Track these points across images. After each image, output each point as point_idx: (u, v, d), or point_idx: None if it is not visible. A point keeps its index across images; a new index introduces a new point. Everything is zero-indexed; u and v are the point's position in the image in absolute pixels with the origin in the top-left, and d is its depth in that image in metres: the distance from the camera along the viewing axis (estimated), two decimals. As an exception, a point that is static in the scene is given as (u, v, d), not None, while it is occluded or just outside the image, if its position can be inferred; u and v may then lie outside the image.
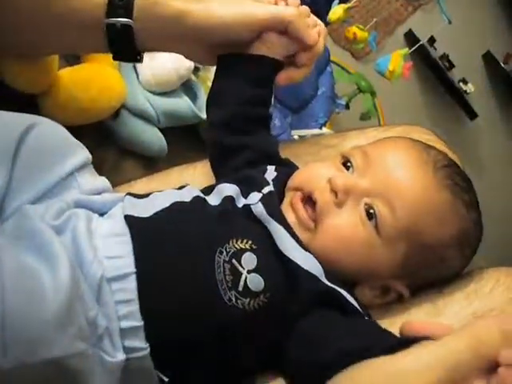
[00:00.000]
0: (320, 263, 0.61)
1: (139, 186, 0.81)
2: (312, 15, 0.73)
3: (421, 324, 0.56)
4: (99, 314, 0.53)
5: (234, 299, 0.58)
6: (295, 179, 0.69)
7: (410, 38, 2.66)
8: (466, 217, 0.65)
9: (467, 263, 0.69)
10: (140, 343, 0.55)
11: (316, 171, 0.68)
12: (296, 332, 0.59)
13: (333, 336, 0.57)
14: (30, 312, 0.46)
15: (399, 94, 2.52)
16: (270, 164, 0.73)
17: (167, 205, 0.64)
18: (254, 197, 0.66)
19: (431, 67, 2.78)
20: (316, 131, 1.79)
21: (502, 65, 2.83)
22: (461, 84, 2.78)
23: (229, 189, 0.67)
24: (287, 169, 0.73)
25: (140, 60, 0.73)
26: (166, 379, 0.58)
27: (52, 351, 0.47)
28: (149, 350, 0.55)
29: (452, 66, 2.75)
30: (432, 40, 2.62)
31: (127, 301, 0.55)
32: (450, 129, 2.74)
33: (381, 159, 0.66)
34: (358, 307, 0.61)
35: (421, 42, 2.37)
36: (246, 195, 0.67)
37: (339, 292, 0.60)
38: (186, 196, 0.66)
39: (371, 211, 0.63)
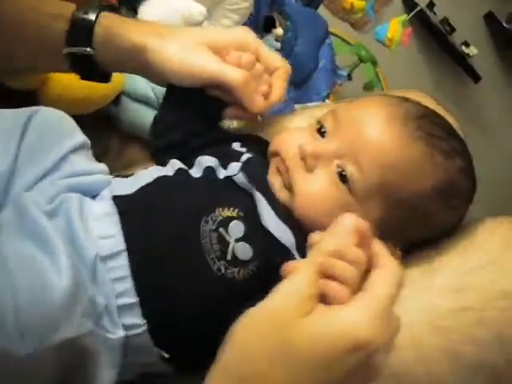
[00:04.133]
0: (296, 234, 0.61)
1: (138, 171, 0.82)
2: (270, 64, 0.70)
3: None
4: (97, 293, 0.55)
5: (223, 269, 0.58)
6: (273, 145, 0.69)
7: (409, 3, 2.63)
8: (445, 166, 0.63)
9: (460, 215, 0.68)
10: (137, 320, 0.57)
11: (289, 138, 0.68)
12: None
13: None
14: (40, 301, 0.49)
15: (401, 61, 2.50)
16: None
17: (151, 180, 0.65)
18: (234, 167, 0.66)
19: (432, 32, 2.74)
20: (319, 104, 1.78)
21: (505, 25, 2.78)
22: (463, 47, 2.74)
23: (208, 160, 0.67)
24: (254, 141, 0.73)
25: (108, 80, 0.74)
26: (167, 355, 0.59)
27: (64, 333, 0.50)
28: (146, 326, 0.57)
29: (453, 29, 2.71)
30: (431, 4, 2.59)
31: (122, 278, 0.57)
32: (454, 93, 2.73)
33: (348, 119, 0.65)
34: None
35: (419, 7, 2.34)
36: (225, 166, 0.67)
37: None
38: (170, 170, 0.67)
39: (344, 173, 0.63)
